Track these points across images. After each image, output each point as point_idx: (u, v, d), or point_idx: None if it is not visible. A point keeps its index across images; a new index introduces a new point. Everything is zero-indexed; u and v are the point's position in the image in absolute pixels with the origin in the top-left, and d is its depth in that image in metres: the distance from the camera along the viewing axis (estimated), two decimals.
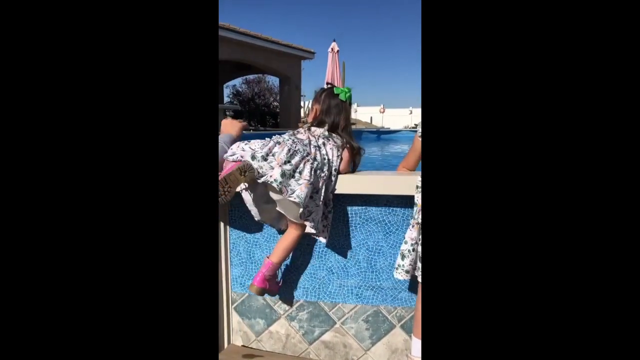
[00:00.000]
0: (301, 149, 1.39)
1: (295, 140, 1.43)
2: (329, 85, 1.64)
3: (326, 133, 1.51)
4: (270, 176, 1.31)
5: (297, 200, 1.30)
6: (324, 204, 1.42)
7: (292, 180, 1.32)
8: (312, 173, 1.35)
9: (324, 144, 1.47)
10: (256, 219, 1.54)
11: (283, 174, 1.31)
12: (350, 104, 1.61)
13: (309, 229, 1.42)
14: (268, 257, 1.46)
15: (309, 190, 1.33)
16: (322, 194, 1.40)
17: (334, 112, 1.53)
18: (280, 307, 1.68)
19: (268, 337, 1.70)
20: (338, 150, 1.50)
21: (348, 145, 1.52)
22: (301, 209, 1.33)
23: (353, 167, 1.58)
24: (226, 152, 1.41)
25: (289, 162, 1.33)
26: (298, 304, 1.66)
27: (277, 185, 1.30)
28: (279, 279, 1.57)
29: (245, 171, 1.32)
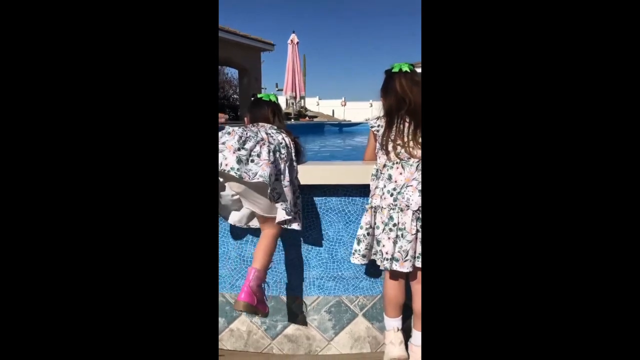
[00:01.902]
0: (253, 135, 1.33)
1: (245, 129, 1.38)
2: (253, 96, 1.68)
3: (274, 127, 1.48)
4: (226, 164, 1.23)
5: (261, 179, 1.23)
6: (291, 185, 1.36)
7: (251, 164, 1.26)
8: (271, 154, 1.30)
9: (274, 132, 1.44)
10: (228, 222, 1.47)
11: (239, 160, 1.24)
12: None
13: (282, 216, 1.33)
14: (251, 266, 1.33)
15: (271, 169, 1.26)
16: (287, 175, 1.35)
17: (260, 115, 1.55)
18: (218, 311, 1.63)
19: (229, 335, 1.65)
20: (290, 137, 1.47)
21: (294, 137, 1.51)
22: (269, 189, 1.27)
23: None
24: None
25: (242, 147, 1.27)
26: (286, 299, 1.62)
27: (235, 172, 1.23)
28: (266, 294, 1.38)
29: None
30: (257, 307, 1.29)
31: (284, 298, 1.61)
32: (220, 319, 1.64)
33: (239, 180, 1.26)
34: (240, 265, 1.62)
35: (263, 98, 1.59)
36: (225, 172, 1.24)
